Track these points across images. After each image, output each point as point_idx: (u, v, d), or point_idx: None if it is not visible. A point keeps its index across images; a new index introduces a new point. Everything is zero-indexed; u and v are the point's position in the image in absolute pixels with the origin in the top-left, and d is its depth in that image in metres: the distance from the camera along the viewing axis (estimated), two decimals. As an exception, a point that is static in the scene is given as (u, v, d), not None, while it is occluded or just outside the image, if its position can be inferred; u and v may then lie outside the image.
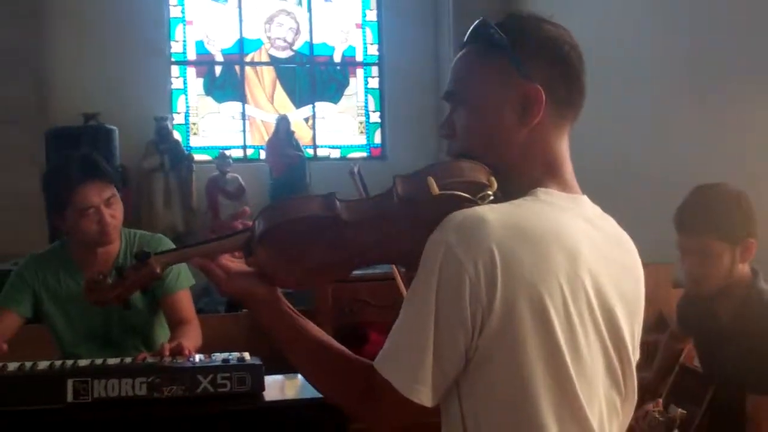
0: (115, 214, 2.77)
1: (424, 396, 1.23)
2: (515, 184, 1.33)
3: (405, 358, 1.24)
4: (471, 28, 1.43)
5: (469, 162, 1.32)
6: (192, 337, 2.72)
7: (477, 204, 1.27)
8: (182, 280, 2.91)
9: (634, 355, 1.38)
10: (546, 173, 1.36)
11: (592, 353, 1.28)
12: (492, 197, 1.29)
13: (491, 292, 1.19)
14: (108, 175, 2.77)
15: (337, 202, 1.34)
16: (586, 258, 1.29)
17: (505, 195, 1.31)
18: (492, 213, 1.23)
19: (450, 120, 1.43)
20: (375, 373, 1.27)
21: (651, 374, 2.97)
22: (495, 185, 1.30)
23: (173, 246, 2.95)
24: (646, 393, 2.86)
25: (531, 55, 1.35)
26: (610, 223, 1.42)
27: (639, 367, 2.74)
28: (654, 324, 4.33)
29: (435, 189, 1.26)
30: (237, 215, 1.51)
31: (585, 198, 1.40)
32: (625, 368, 1.35)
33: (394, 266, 1.65)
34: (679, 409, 2.54)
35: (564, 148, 1.40)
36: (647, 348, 3.07)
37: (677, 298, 2.95)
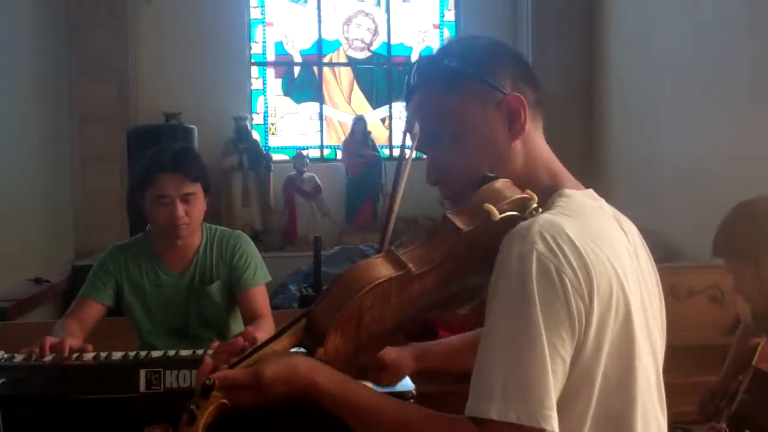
0: (190, 211, 2.82)
1: (554, 420, 1.13)
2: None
3: (528, 390, 1.13)
4: (415, 70, 1.43)
5: (496, 183, 1.30)
6: (265, 330, 2.76)
7: (529, 215, 1.26)
8: (259, 276, 2.96)
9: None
10: (553, 175, 1.38)
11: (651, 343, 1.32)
12: (540, 210, 1.27)
13: (591, 290, 1.17)
14: (193, 173, 2.83)
15: (402, 259, 1.26)
16: (630, 250, 1.32)
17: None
18: (557, 217, 1.23)
19: (436, 164, 1.41)
20: (484, 421, 1.13)
21: (721, 373, 2.89)
22: (536, 197, 1.29)
23: (251, 242, 3.02)
24: (715, 394, 2.78)
25: (492, 69, 1.36)
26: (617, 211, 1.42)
27: (716, 370, 2.67)
28: (732, 326, 4.23)
29: (497, 214, 1.24)
30: (245, 336, 1.43)
31: (592, 192, 1.40)
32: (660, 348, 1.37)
33: None
34: None
35: (545, 143, 1.42)
36: (725, 351, 2.99)
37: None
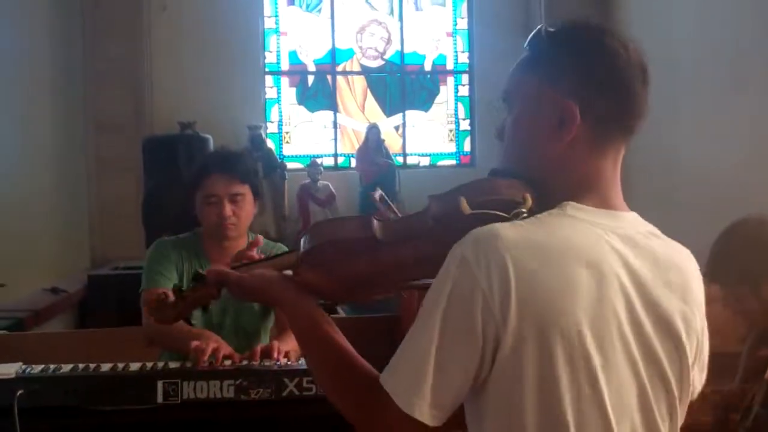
0: (238, 212, 2.85)
1: (423, 412, 1.19)
2: (549, 198, 1.29)
3: (406, 370, 1.22)
4: (532, 36, 1.40)
5: (505, 180, 1.32)
6: (291, 341, 2.76)
7: (509, 221, 1.24)
8: None
9: (683, 385, 1.32)
10: (580, 188, 1.30)
11: (620, 379, 1.24)
12: (525, 214, 1.26)
13: (505, 308, 1.16)
14: (242, 174, 2.86)
15: (374, 222, 1.38)
16: (617, 277, 1.24)
17: (540, 209, 1.27)
18: (511, 229, 1.21)
19: (502, 124, 1.42)
20: (380, 385, 1.24)
21: (733, 385, 2.85)
22: (530, 202, 1.27)
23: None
24: (728, 406, 2.76)
25: (570, 69, 1.31)
26: (660, 242, 1.33)
27: (733, 378, 2.63)
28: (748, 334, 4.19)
29: (467, 208, 1.26)
30: (252, 244, 1.63)
31: (629, 215, 1.33)
32: (667, 397, 1.30)
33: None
34: None
35: (607, 165, 1.33)
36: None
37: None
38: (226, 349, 2.51)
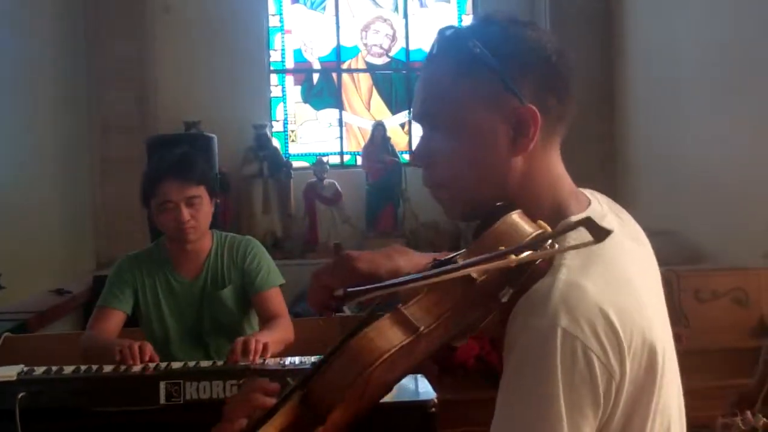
0: (196, 215, 2.84)
1: None
2: (536, 217, 1.17)
3: None
4: (440, 37, 1.25)
5: (510, 217, 1.16)
6: (278, 330, 2.78)
7: (548, 253, 1.11)
8: (273, 278, 2.98)
9: None
10: (556, 197, 1.22)
11: (674, 387, 1.21)
12: (556, 242, 1.13)
13: (622, 360, 1.06)
14: (195, 176, 2.85)
15: (411, 319, 1.10)
16: (646, 283, 1.19)
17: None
18: (580, 276, 1.10)
19: (427, 146, 1.26)
20: None
21: (753, 381, 2.86)
22: (548, 228, 1.14)
23: (261, 247, 3.04)
24: (744, 400, 2.76)
25: (518, 70, 1.18)
26: (626, 215, 1.28)
27: (741, 373, 2.66)
28: (756, 329, 4.19)
29: (513, 261, 1.08)
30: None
31: (595, 204, 1.25)
32: None
33: None
34: (763, 419, 2.46)
35: (559, 160, 1.25)
36: (749, 354, 2.96)
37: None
38: (148, 347, 2.52)
